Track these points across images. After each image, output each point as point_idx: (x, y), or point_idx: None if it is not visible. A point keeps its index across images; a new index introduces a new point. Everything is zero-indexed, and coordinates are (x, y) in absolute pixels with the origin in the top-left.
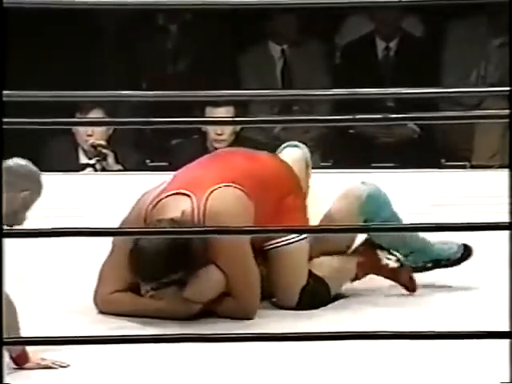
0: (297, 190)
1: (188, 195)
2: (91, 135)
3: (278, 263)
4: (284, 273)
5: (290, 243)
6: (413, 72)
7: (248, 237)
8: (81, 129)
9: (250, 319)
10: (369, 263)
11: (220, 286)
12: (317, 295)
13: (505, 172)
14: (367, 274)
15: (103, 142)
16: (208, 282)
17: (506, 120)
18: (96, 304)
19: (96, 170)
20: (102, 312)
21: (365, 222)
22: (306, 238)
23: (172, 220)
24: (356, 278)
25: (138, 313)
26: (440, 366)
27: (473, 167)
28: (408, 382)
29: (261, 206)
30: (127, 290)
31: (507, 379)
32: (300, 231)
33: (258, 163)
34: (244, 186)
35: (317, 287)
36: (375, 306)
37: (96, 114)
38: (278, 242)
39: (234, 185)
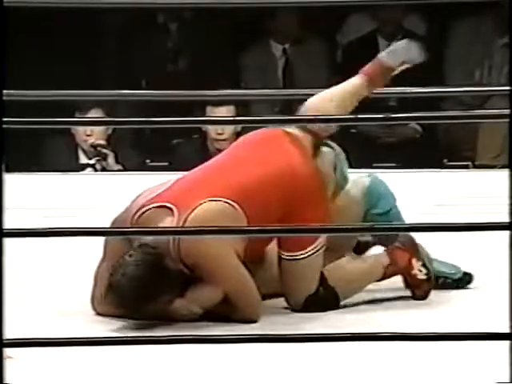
0: (316, 200)
1: (172, 210)
2: (90, 135)
3: (291, 272)
4: (295, 280)
5: (307, 256)
6: (415, 71)
7: (233, 247)
8: (80, 129)
9: (255, 322)
10: (400, 267)
11: (213, 299)
12: (323, 303)
13: (506, 172)
14: (395, 275)
15: (103, 142)
16: (200, 296)
17: (506, 120)
18: (93, 306)
19: (96, 170)
20: (98, 314)
21: (365, 212)
22: (323, 248)
23: (147, 245)
24: (383, 278)
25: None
26: (440, 366)
27: (476, 167)
28: (408, 382)
29: (265, 216)
30: None
31: (507, 379)
32: (302, 231)
33: (270, 167)
34: (238, 198)
35: (325, 296)
36: (376, 307)
37: (95, 114)
38: (295, 255)
39: (223, 199)
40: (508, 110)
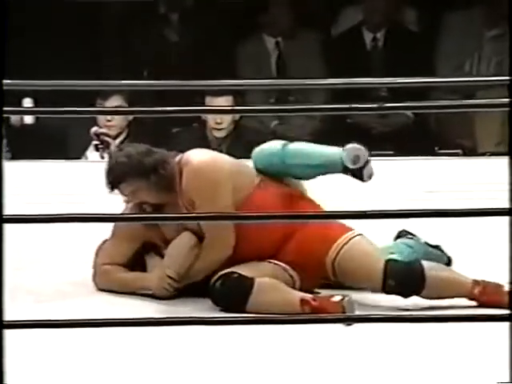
0: None
1: None
2: (111, 121)
3: None
4: None
5: None
6: (406, 62)
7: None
8: (100, 116)
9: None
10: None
11: (193, 247)
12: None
13: (496, 159)
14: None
15: (106, 130)
16: (183, 248)
17: (506, 109)
18: (93, 278)
19: (102, 158)
20: (95, 283)
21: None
22: None
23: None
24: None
25: (126, 287)
26: (440, 365)
27: (465, 155)
28: (408, 382)
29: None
30: (121, 266)
31: (507, 379)
32: (293, 217)
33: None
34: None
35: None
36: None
37: (115, 101)
38: None
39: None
40: (507, 99)
